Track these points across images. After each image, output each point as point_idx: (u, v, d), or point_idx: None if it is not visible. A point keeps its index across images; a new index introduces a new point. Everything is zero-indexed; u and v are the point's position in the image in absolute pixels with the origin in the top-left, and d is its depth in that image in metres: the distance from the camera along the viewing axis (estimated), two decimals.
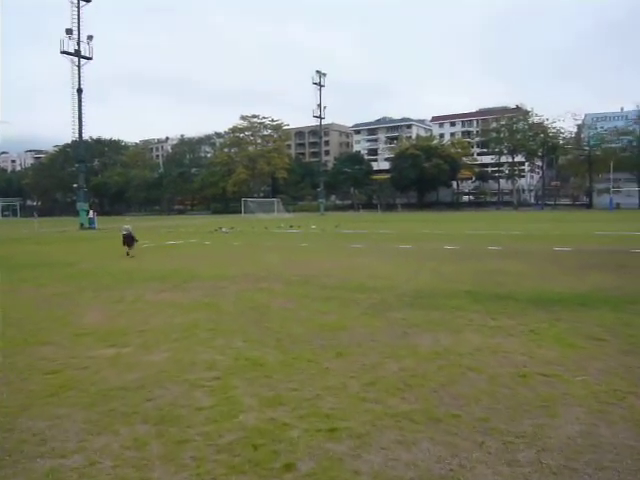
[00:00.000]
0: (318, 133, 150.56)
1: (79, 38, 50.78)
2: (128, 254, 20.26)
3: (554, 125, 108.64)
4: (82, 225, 49.69)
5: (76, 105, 51.67)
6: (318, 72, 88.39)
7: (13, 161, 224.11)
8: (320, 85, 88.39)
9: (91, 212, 51.32)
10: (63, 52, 50.02)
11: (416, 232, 33.25)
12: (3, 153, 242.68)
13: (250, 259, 18.54)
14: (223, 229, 40.47)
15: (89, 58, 51.72)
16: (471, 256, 18.23)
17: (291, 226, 45.39)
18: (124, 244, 20.75)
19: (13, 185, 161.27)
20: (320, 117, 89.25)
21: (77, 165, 56.30)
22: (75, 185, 54.36)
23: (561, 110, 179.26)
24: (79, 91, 51.24)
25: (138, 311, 9.68)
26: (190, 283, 13.01)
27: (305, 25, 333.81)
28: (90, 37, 51.84)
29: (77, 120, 51.55)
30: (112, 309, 9.90)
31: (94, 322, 8.78)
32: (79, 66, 50.97)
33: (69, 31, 50.34)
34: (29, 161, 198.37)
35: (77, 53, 50.64)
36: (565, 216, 59.70)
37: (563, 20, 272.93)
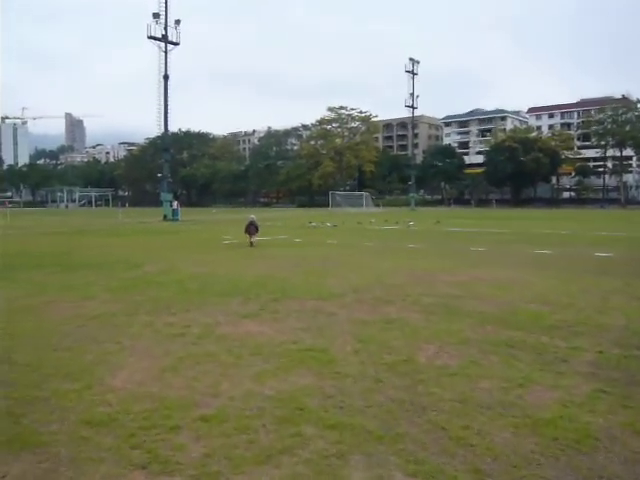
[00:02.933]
0: (408, 125, 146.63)
1: (166, 23, 48.77)
2: (252, 244, 20.41)
3: None
4: (165, 217, 47.61)
5: (162, 92, 49.63)
6: (411, 59, 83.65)
7: (107, 153, 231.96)
8: (413, 73, 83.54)
9: (175, 203, 49.14)
10: (150, 37, 48.08)
11: (535, 232, 28.42)
12: (98, 145, 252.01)
13: (354, 265, 14.67)
14: (313, 223, 36.90)
15: (176, 43, 49.58)
16: None
17: (386, 221, 41.39)
18: (246, 232, 20.78)
19: (106, 176, 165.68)
20: (412, 107, 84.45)
21: (162, 154, 54.33)
22: (159, 174, 52.43)
23: None
24: (165, 77, 49.17)
25: (204, 361, 6.01)
26: (282, 303, 9.30)
27: (388, 16, 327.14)
28: (177, 22, 49.69)
29: (163, 107, 49.50)
30: (165, 355, 6.29)
31: (125, 392, 5.15)
32: (166, 51, 48.90)
33: (156, 15, 48.30)
34: (122, 153, 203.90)
35: (164, 38, 48.51)
36: None
37: None
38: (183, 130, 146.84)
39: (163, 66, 49.01)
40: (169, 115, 50.07)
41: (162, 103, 49.57)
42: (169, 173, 51.20)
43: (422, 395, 4.96)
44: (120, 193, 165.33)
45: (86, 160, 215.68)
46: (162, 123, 50.18)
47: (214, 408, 4.64)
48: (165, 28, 48.43)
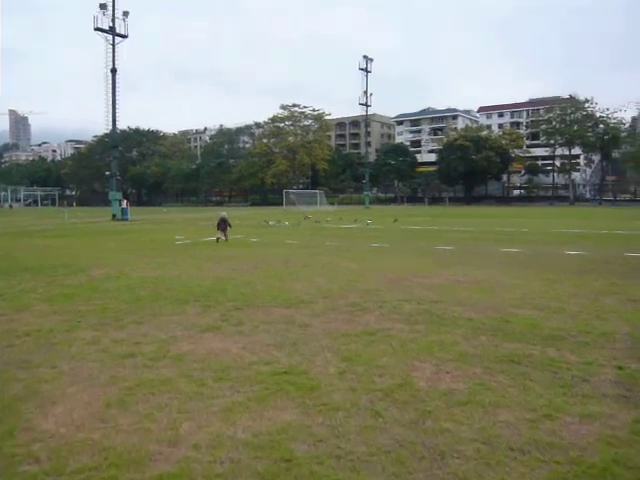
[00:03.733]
0: (360, 123, 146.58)
1: (114, 14, 46.59)
2: (218, 240, 20.80)
3: (615, 115, 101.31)
4: (114, 216, 45.63)
5: (110, 87, 47.57)
6: (365, 57, 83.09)
7: (54, 151, 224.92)
8: (367, 71, 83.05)
9: (124, 202, 47.16)
10: (97, 29, 45.94)
11: (496, 229, 28.01)
12: (44, 143, 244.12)
13: (319, 267, 13.67)
14: (270, 222, 35.72)
15: (124, 36, 47.53)
16: (629, 268, 13.13)
17: (340, 219, 40.66)
18: (218, 229, 21.24)
19: (52, 175, 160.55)
20: (366, 104, 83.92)
21: (111, 151, 52.15)
22: (108, 173, 50.28)
23: (614, 101, 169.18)
24: (113, 71, 47.11)
25: (159, 391, 4.91)
26: (245, 312, 8.24)
27: (342, 17, 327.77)
28: (126, 13, 47.60)
29: (111, 103, 47.44)
30: (111, 383, 5.16)
31: (58, 440, 4.02)
32: (113, 44, 46.81)
33: (103, 6, 46.15)
34: (69, 151, 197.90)
35: (111, 30, 46.45)
36: (631, 213, 53.26)
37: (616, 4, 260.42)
38: (133, 128, 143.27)
39: (111, 60, 46.96)
40: (118, 111, 48.02)
41: (110, 98, 47.49)
42: (117, 171, 49.09)
43: (435, 434, 4.00)
44: (67, 192, 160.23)
45: (31, 159, 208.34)
46: (110, 119, 48.07)
47: (174, 463, 3.57)
48: (113, 20, 46.37)
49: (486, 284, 10.78)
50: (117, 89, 47.47)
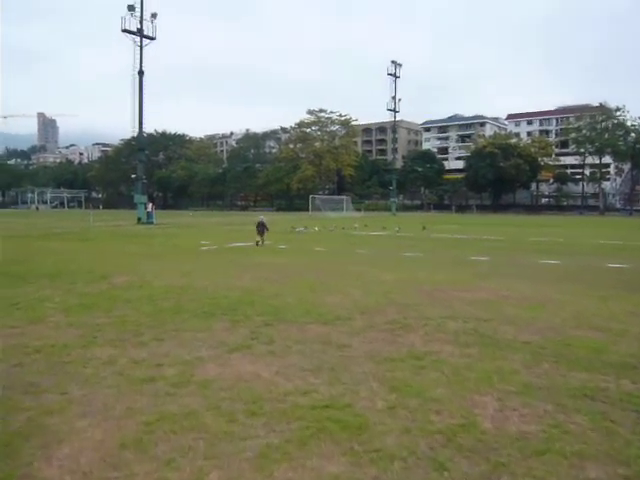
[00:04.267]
0: (387, 129, 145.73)
1: (142, 16, 46.71)
2: (258, 243, 21.70)
3: None
4: (139, 219, 45.47)
5: (137, 89, 47.50)
6: (394, 62, 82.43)
7: (81, 154, 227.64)
8: (395, 76, 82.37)
9: (150, 206, 46.99)
10: (124, 30, 45.97)
11: (529, 239, 27.02)
12: (71, 145, 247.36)
13: (352, 277, 12.94)
14: (297, 228, 35.04)
15: (152, 38, 47.53)
16: None
17: (366, 226, 39.92)
18: (257, 232, 22.04)
19: (79, 177, 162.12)
20: (394, 110, 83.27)
21: (137, 154, 52.08)
22: (133, 176, 50.16)
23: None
24: (140, 73, 47.08)
25: (182, 428, 4.23)
26: (277, 328, 7.56)
27: (370, 24, 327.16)
28: (154, 15, 47.62)
29: (137, 105, 47.36)
30: (128, 415, 4.49)
31: None
32: (141, 46, 46.84)
33: (131, 8, 46.18)
34: (96, 154, 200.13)
35: (139, 32, 46.41)
36: None
37: None
38: (159, 131, 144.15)
39: (138, 62, 46.91)
40: (144, 114, 48.04)
41: (137, 100, 47.44)
42: (144, 174, 49.04)
43: None
44: (94, 195, 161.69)
45: (59, 161, 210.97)
46: (137, 122, 48.00)
47: None
48: (140, 22, 46.40)
49: (534, 300, 9.95)
50: (144, 92, 47.44)
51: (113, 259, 16.87)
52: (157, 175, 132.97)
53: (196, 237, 27.52)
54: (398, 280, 12.46)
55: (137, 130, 48.90)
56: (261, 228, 21.94)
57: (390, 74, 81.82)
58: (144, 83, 47.36)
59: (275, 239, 25.67)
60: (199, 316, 8.27)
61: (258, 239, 21.83)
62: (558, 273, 14.18)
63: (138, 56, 46.97)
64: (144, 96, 47.52)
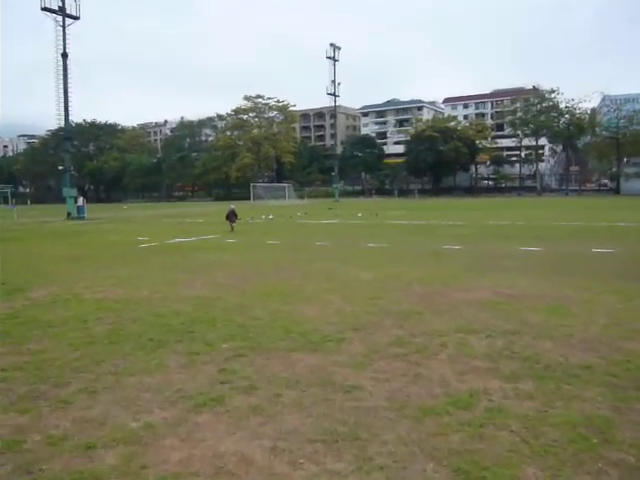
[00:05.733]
0: (325, 115, 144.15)
1: None
2: (232, 229, 24.06)
3: (580, 106, 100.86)
4: (69, 214, 42.10)
5: (61, 73, 43.84)
6: (332, 45, 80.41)
7: (5, 146, 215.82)
8: (334, 59, 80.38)
9: (80, 199, 43.62)
10: (44, 9, 42.06)
11: (492, 224, 25.84)
12: None
13: (324, 277, 11.07)
14: (249, 219, 32.54)
15: (76, 17, 43.74)
16: None
17: (306, 213, 38.02)
18: (227, 219, 24.67)
19: (4, 171, 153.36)
20: (334, 94, 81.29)
21: (63, 143, 48.38)
22: (60, 167, 46.51)
23: (573, 93, 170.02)
24: (64, 56, 43.37)
25: None
26: (253, 360, 5.63)
27: (304, 9, 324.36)
28: None
29: (62, 89, 43.70)
30: None
31: None
32: (64, 26, 43.07)
33: None
34: (22, 146, 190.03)
35: (61, 10, 42.71)
36: (608, 203, 52.22)
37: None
38: (88, 121, 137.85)
39: (61, 44, 43.26)
40: (71, 102, 44.29)
41: (62, 86, 43.76)
42: (71, 165, 45.46)
43: None
44: (21, 190, 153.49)
45: None
46: (62, 108, 44.31)
47: None
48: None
49: (548, 299, 8.36)
50: (69, 77, 43.78)
51: (35, 264, 14.39)
52: (88, 167, 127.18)
53: (132, 233, 25.01)
54: (377, 279, 10.66)
55: (63, 118, 45.23)
56: (232, 216, 24.44)
57: (329, 57, 79.75)
58: (69, 67, 43.78)
59: (220, 232, 23.51)
60: (144, 347, 6.22)
61: (233, 225, 24.27)
62: (548, 262, 12.72)
63: (61, 37, 43.32)
64: (70, 82, 43.94)
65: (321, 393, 4.70)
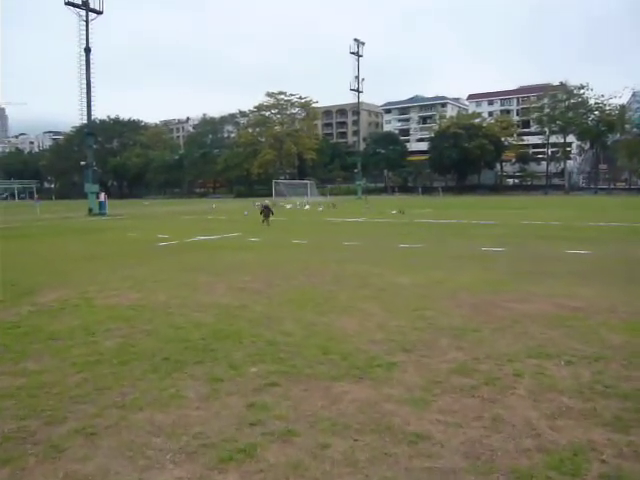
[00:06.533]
0: (347, 112, 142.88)
1: None
2: (266, 222, 24.68)
3: (610, 102, 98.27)
4: (91, 210, 41.57)
5: (84, 68, 43.35)
6: (356, 40, 79.11)
7: (31, 143, 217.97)
8: (358, 55, 79.11)
9: (102, 195, 43.08)
10: (67, 3, 41.57)
11: (526, 223, 24.56)
12: (21, 134, 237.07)
13: (359, 282, 10.04)
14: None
15: (99, 12, 43.24)
16: None
17: (333, 208, 36.93)
18: (261, 213, 25.29)
19: (30, 167, 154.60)
20: (358, 90, 79.97)
21: (86, 139, 47.91)
22: (83, 163, 46.01)
23: (603, 89, 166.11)
24: (87, 50, 42.91)
25: None
26: (287, 391, 4.65)
27: (324, 3, 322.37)
28: None
29: (85, 84, 43.21)
30: None
31: None
32: (87, 20, 42.61)
33: None
34: (47, 143, 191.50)
35: (85, 5, 42.17)
36: (638, 202, 50.48)
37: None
38: (112, 118, 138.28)
39: (84, 38, 42.74)
40: (95, 98, 43.82)
41: (85, 81, 43.26)
42: (94, 161, 44.92)
43: None
44: (46, 185, 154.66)
45: (8, 150, 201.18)
46: (85, 103, 43.83)
47: None
48: None
49: (625, 315, 7.24)
50: (92, 71, 43.27)
51: (49, 263, 13.55)
52: (111, 163, 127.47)
53: (153, 230, 24.22)
54: (417, 285, 9.61)
55: (86, 114, 44.72)
56: (266, 211, 25.11)
57: (353, 52, 78.50)
58: (92, 62, 43.27)
59: (243, 229, 22.60)
60: (158, 369, 5.26)
61: (264, 219, 24.93)
62: (604, 268, 11.52)
63: (84, 32, 42.79)
64: (93, 77, 43.42)
65: (378, 444, 3.68)
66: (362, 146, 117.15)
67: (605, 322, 6.81)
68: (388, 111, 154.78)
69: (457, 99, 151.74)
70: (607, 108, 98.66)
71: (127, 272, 11.65)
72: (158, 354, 5.70)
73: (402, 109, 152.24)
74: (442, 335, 6.32)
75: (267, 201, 27.34)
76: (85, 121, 45.99)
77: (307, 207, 34.88)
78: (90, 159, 44.44)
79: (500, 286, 9.34)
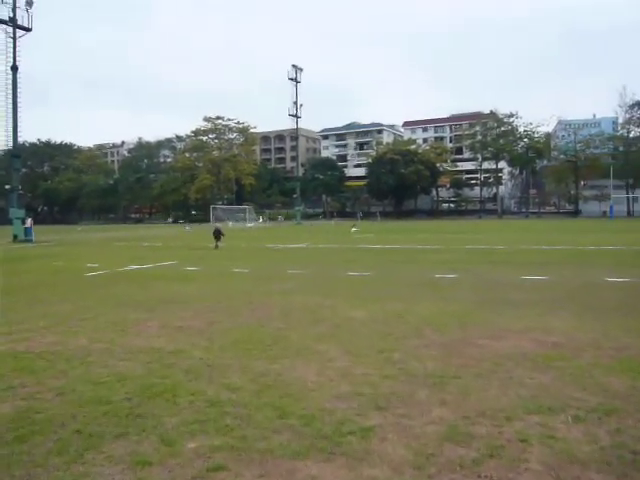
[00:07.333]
0: (285, 137, 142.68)
1: (14, 3, 40.32)
2: (217, 247, 25.45)
3: (538, 129, 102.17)
4: (15, 237, 38.99)
5: (10, 87, 40.97)
6: (294, 66, 79.22)
7: None
8: (296, 81, 79.15)
9: (28, 221, 40.54)
10: None
11: (470, 247, 24.19)
12: None
13: (310, 317, 8.97)
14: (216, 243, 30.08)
15: (27, 29, 41.20)
16: None
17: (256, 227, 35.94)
18: (214, 237, 26.12)
19: None
20: (296, 116, 79.95)
21: (11, 161, 45.19)
22: (7, 187, 43.30)
23: (531, 117, 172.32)
24: (14, 69, 40.59)
25: None
26: (239, 472, 3.52)
27: (262, 29, 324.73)
28: (29, 3, 41.42)
29: (11, 104, 40.79)
30: None
31: None
32: (14, 37, 40.43)
33: None
34: None
35: (12, 21, 40.03)
36: (571, 225, 52.18)
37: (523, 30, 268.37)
38: (43, 141, 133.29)
39: (12, 56, 40.51)
40: (23, 120, 41.80)
41: (10, 100, 40.84)
42: (19, 185, 42.37)
43: None
44: None
45: None
46: (10, 124, 41.34)
47: None
48: (14, 9, 40.06)
49: (612, 351, 6.47)
50: (19, 91, 40.97)
51: None
52: (42, 187, 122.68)
53: (82, 258, 22.50)
54: (376, 320, 8.64)
55: (11, 135, 42.19)
56: (217, 234, 26.13)
57: (291, 79, 78.46)
58: (19, 81, 41.00)
59: (180, 257, 21.22)
60: (66, 449, 3.99)
61: (217, 243, 25.78)
62: (566, 295, 10.86)
63: (11, 50, 40.58)
64: (20, 97, 41.07)
65: None
66: (301, 171, 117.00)
67: (596, 362, 6.00)
68: (326, 137, 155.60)
69: (392, 126, 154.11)
70: (535, 136, 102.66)
71: (46, 308, 10.22)
72: (68, 424, 4.46)
73: (339, 135, 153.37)
74: (418, 385, 5.33)
75: (218, 224, 27.62)
76: (10, 143, 43.42)
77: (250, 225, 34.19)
78: (15, 182, 41.83)
79: (465, 318, 8.49)
